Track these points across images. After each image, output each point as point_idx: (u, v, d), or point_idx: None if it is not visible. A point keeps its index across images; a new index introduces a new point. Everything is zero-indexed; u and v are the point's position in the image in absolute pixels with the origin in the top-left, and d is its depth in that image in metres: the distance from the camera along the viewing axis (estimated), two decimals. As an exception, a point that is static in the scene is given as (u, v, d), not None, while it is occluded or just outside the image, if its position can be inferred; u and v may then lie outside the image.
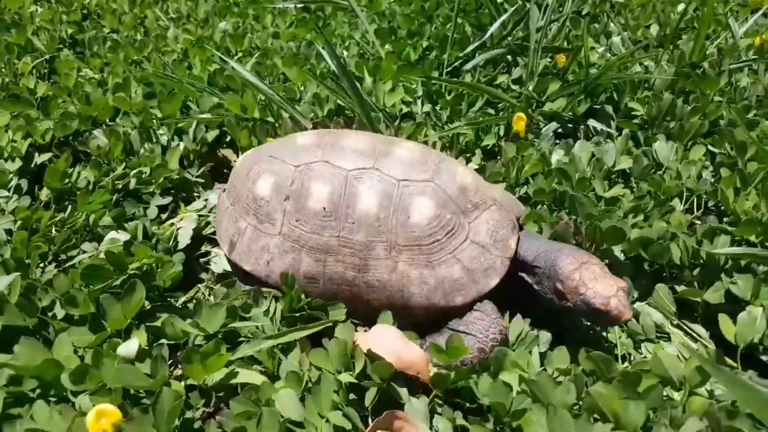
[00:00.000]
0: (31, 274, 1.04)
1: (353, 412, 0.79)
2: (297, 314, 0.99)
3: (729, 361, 0.95)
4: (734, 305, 0.99)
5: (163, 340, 0.94)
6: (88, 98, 1.63)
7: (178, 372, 0.94)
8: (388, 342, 0.88)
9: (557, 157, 1.43)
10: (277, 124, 1.54)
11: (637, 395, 0.76)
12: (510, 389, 0.81)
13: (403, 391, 0.86)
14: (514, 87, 1.83)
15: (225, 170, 1.50)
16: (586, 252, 0.99)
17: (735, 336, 0.93)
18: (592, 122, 1.64)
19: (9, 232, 1.17)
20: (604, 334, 1.03)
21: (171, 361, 0.96)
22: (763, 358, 0.95)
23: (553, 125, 1.63)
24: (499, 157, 1.48)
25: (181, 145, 1.44)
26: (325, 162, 1.01)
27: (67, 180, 1.30)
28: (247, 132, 1.46)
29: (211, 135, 1.48)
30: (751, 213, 1.15)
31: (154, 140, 1.46)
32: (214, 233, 1.29)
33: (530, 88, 1.69)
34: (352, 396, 0.85)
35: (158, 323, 0.95)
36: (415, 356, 0.89)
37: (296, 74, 1.84)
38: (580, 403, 0.80)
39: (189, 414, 0.86)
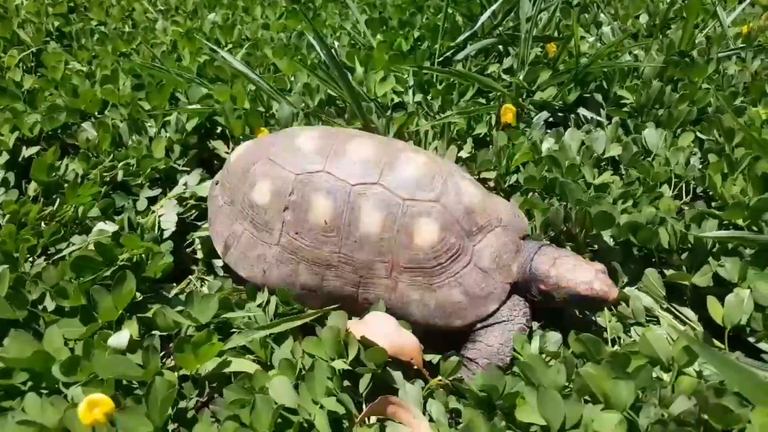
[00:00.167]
0: (20, 267, 1.03)
1: (347, 398, 0.79)
2: (290, 306, 0.99)
3: (717, 342, 0.97)
4: (722, 288, 1.00)
5: (154, 331, 0.93)
6: (75, 91, 1.61)
7: (171, 363, 0.94)
8: (381, 329, 0.89)
9: (548, 145, 1.44)
10: (268, 114, 1.53)
11: (627, 375, 0.77)
12: (503, 372, 0.82)
13: (398, 376, 0.86)
14: (505, 76, 1.83)
15: (216, 161, 1.49)
16: (554, 247, 1.01)
17: (723, 318, 0.94)
18: (582, 111, 1.65)
19: (-3, 225, 1.15)
20: (594, 318, 1.04)
21: (163, 352, 0.96)
22: (750, 339, 0.97)
23: (544, 114, 1.64)
24: (490, 146, 1.48)
25: (165, 135, 1.42)
26: (328, 173, 0.97)
27: (54, 173, 1.29)
28: (241, 122, 1.45)
29: (190, 124, 1.44)
30: (738, 197, 1.17)
31: (143, 132, 1.45)
32: (197, 219, 1.28)
33: (521, 77, 1.70)
34: (346, 383, 0.86)
35: (149, 314, 0.95)
36: (407, 342, 0.89)
37: (287, 65, 1.83)
38: (571, 384, 0.81)
39: (182, 404, 0.86)
